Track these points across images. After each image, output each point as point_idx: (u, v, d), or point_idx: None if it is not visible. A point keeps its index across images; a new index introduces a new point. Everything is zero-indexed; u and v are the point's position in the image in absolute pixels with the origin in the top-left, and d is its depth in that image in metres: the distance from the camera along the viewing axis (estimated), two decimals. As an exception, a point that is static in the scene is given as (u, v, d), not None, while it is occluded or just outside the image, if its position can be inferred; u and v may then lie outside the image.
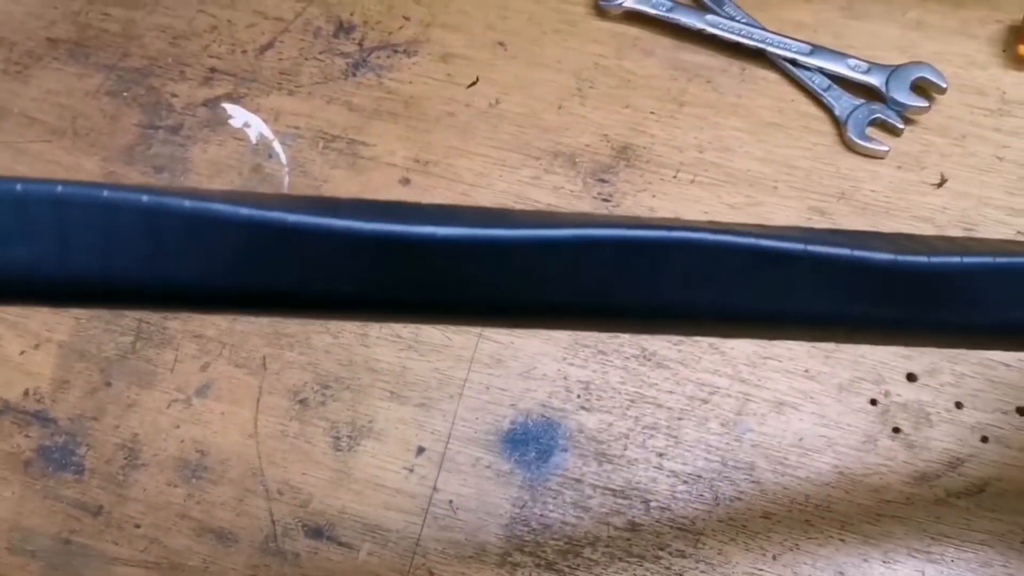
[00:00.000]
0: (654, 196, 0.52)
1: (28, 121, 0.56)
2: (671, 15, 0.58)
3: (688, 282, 0.32)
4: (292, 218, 0.29)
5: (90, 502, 0.43)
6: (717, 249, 0.32)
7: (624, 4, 0.59)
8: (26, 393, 0.46)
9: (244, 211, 0.29)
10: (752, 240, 0.32)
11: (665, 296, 0.32)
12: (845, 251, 0.32)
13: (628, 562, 0.41)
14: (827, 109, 0.55)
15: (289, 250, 0.29)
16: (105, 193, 0.28)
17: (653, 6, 0.58)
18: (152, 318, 0.48)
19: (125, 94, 0.57)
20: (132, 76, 0.58)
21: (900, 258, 0.32)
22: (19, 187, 0.28)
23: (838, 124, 0.54)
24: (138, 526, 0.43)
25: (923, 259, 0.32)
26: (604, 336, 0.47)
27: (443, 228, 0.30)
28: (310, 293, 0.30)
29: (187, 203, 0.29)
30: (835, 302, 0.32)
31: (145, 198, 0.29)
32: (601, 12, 0.59)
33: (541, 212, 0.52)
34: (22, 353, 0.48)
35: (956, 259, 0.31)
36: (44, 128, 0.56)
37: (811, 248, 0.33)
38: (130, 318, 0.49)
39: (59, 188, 0.28)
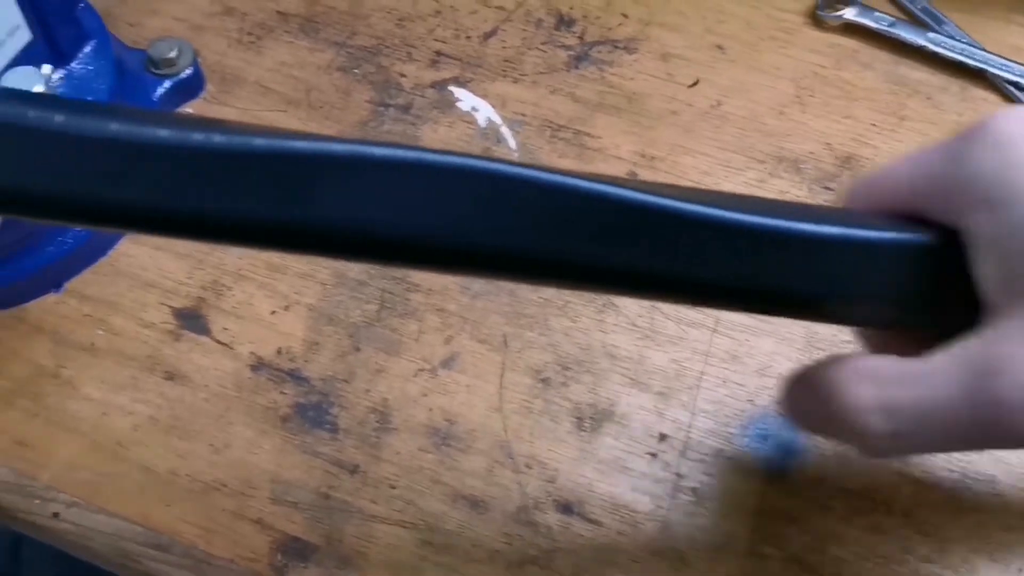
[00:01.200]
0: (880, 207, 0.53)
1: (263, 90, 0.58)
2: (891, 30, 0.59)
3: None
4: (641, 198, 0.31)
5: (346, 460, 0.45)
6: None
7: (844, 16, 0.59)
8: (279, 351, 0.48)
9: (605, 188, 0.30)
10: None
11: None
12: None
13: (875, 562, 0.42)
14: (1051, 134, 0.55)
15: (638, 228, 0.31)
16: (467, 162, 0.30)
17: (874, 20, 0.59)
18: (395, 289, 0.50)
19: (356, 71, 0.59)
20: (361, 54, 0.60)
21: None
22: (379, 150, 0.29)
23: (1063, 149, 0.54)
24: (393, 487, 0.44)
25: None
26: (839, 341, 0.48)
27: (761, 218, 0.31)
28: (641, 271, 0.31)
29: (544, 176, 0.30)
30: None
31: (498, 168, 0.30)
32: (818, 22, 0.60)
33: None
34: (273, 313, 0.49)
35: None
36: (279, 98, 0.58)
37: None
38: (374, 288, 0.50)
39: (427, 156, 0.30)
